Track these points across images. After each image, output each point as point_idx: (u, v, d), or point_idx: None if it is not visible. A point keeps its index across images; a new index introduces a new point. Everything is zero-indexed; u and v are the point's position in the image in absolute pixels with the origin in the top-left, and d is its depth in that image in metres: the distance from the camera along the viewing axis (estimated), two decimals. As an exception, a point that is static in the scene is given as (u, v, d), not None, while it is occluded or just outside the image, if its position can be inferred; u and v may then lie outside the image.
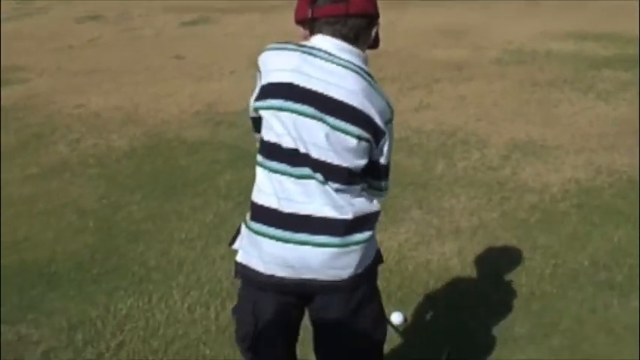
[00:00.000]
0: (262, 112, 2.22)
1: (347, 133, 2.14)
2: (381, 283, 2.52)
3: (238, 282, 2.47)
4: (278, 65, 2.20)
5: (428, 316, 3.76)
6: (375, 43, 2.30)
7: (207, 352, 3.49)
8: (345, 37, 2.18)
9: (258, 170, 2.26)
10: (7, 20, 13.72)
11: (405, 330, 3.54)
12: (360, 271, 2.28)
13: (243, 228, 2.34)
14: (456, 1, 13.13)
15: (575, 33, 10.35)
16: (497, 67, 8.75)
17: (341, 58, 2.17)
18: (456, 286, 4.01)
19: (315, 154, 2.15)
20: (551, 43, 9.82)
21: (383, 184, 2.35)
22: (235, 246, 2.37)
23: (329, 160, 2.16)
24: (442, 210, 4.90)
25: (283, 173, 2.19)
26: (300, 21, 2.25)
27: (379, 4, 2.27)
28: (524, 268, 4.14)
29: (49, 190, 5.54)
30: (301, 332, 2.53)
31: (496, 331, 3.56)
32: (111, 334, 3.65)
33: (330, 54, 2.17)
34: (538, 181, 5.34)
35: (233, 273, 2.41)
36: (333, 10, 2.17)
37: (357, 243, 2.25)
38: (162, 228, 4.81)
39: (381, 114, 2.18)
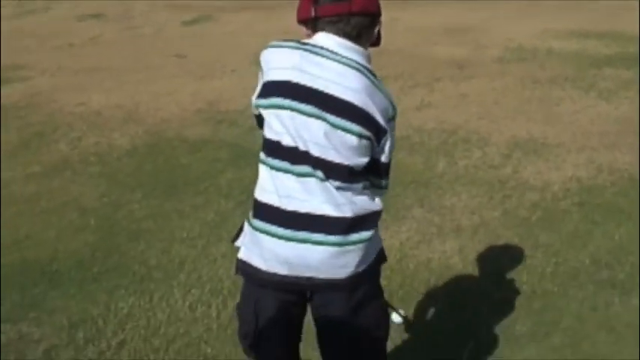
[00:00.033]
0: (262, 111, 2.22)
1: (348, 131, 2.14)
2: (382, 282, 2.52)
3: (240, 280, 2.47)
4: (279, 63, 2.20)
5: (429, 315, 3.76)
6: (377, 41, 2.30)
7: (209, 350, 3.49)
8: (347, 36, 2.18)
9: (261, 168, 2.27)
10: (8, 18, 13.71)
11: (405, 328, 3.53)
12: (360, 270, 2.27)
13: (246, 225, 2.34)
14: (458, 0, 13.12)
15: (577, 31, 10.34)
16: (499, 65, 8.74)
17: (343, 56, 2.16)
18: (457, 285, 4.01)
19: (315, 152, 2.15)
20: (553, 41, 9.81)
21: (383, 182, 2.34)
22: (238, 243, 2.38)
23: (329, 158, 2.15)
24: (443, 208, 4.90)
25: (284, 171, 2.19)
26: (303, 20, 2.25)
27: (381, 2, 2.27)
28: (525, 267, 4.14)
29: (50, 189, 5.54)
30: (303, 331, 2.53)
31: (497, 329, 3.56)
32: (112, 332, 3.65)
33: (331, 52, 2.17)
34: (539, 179, 5.33)
35: (234, 270, 2.41)
36: (336, 9, 2.16)
37: (357, 242, 2.24)
38: (163, 226, 4.81)
39: (382, 112, 2.17)
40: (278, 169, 2.20)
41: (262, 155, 2.26)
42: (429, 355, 3.41)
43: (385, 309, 2.49)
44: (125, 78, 8.86)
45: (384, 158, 2.27)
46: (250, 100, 2.29)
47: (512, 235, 4.51)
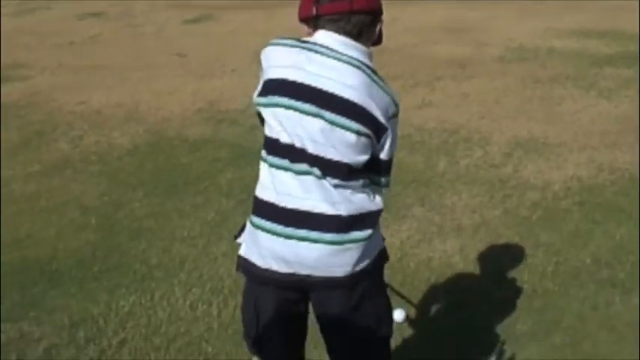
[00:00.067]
0: (261, 109, 2.23)
1: (345, 128, 2.13)
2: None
3: (241, 279, 2.47)
4: (278, 61, 2.21)
5: (430, 314, 3.75)
6: (378, 40, 2.29)
7: (210, 349, 3.49)
8: (348, 34, 2.18)
9: (261, 165, 2.28)
10: (9, 17, 13.72)
11: (406, 328, 3.53)
12: (359, 269, 2.26)
13: (247, 222, 2.35)
14: (458, -1, 13.13)
15: (577, 30, 10.33)
16: (500, 64, 8.74)
17: (342, 54, 2.16)
18: (457, 284, 4.01)
19: (311, 149, 2.15)
20: (554, 40, 9.80)
21: (382, 179, 2.33)
22: (239, 240, 2.38)
23: (327, 156, 2.15)
24: (444, 207, 4.90)
25: (283, 169, 2.20)
26: (304, 19, 2.25)
27: (382, 1, 2.26)
28: (526, 266, 4.14)
29: (50, 188, 5.54)
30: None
31: (498, 328, 3.56)
32: (113, 331, 3.65)
33: (331, 49, 2.16)
34: (540, 178, 5.33)
35: (235, 267, 2.42)
36: (337, 7, 2.16)
37: (354, 241, 2.23)
38: (163, 226, 4.81)
39: (383, 109, 2.17)
40: (277, 167, 2.21)
41: (263, 153, 2.27)
42: (429, 354, 3.41)
43: (388, 307, 2.47)
44: (126, 77, 8.86)
45: (384, 156, 2.26)
46: (252, 98, 2.29)
47: (512, 234, 4.51)
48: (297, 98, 2.14)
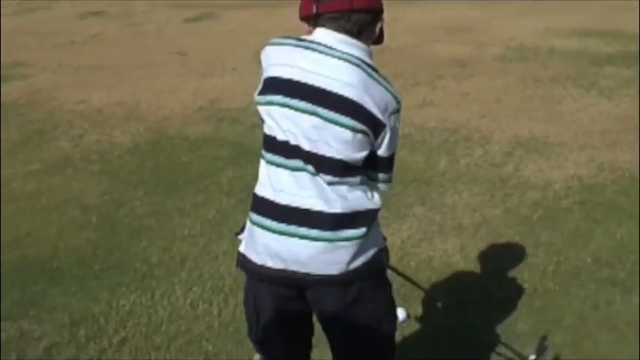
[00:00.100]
0: (258, 107, 2.25)
1: (340, 125, 2.13)
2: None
3: (241, 277, 2.47)
4: (276, 60, 2.23)
5: (430, 313, 3.75)
6: (379, 39, 2.29)
7: (210, 348, 3.49)
8: (348, 32, 2.18)
9: (260, 163, 2.29)
10: (9, 16, 13.72)
11: (407, 327, 3.53)
12: (354, 267, 2.24)
13: (247, 219, 2.35)
14: (459, -2, 13.13)
15: (578, 30, 10.34)
16: (500, 63, 8.74)
17: (340, 51, 2.16)
18: (458, 283, 4.01)
19: (305, 146, 2.15)
20: (554, 40, 9.81)
21: (380, 175, 2.32)
22: (241, 236, 2.39)
23: (320, 152, 2.15)
24: (445, 207, 4.90)
25: (279, 165, 2.21)
26: (305, 17, 2.25)
27: (383, 0, 2.26)
28: (526, 265, 4.14)
29: (51, 186, 5.54)
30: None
31: (499, 327, 3.56)
32: (113, 330, 3.65)
33: (329, 47, 2.17)
34: (541, 177, 5.33)
35: (235, 263, 2.42)
36: (338, 6, 2.16)
37: (348, 239, 2.22)
38: (164, 224, 4.81)
39: (381, 106, 2.16)
40: (273, 164, 2.22)
41: (262, 150, 2.28)
42: (429, 353, 3.41)
43: (389, 307, 2.45)
44: (126, 75, 8.86)
45: (383, 152, 2.25)
46: (253, 97, 2.30)
47: (513, 233, 4.51)
48: (292, 96, 2.15)
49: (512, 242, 4.41)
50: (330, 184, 2.19)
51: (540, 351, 3.27)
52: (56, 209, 5.11)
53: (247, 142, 6.01)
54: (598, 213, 4.74)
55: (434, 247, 4.38)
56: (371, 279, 2.35)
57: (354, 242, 2.23)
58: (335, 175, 2.19)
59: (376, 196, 2.31)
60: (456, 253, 4.30)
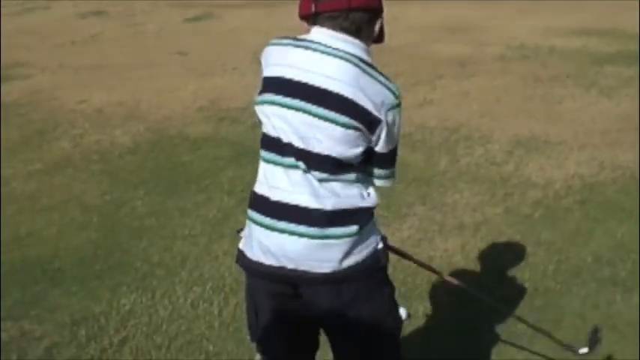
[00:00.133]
0: (255, 107, 2.26)
1: (332, 121, 2.13)
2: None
3: (242, 276, 2.47)
4: (273, 60, 2.24)
5: (431, 313, 3.75)
6: (380, 38, 2.28)
7: (211, 347, 3.49)
8: (346, 30, 2.18)
9: (260, 161, 2.30)
10: (9, 16, 13.72)
11: (407, 327, 3.53)
12: (346, 265, 2.23)
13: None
14: (459, -3, 13.13)
15: (578, 29, 10.33)
16: (501, 63, 8.74)
17: (334, 48, 2.16)
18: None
19: (297, 143, 2.16)
20: (554, 39, 9.80)
21: (380, 172, 2.31)
22: (242, 233, 2.40)
23: (312, 149, 2.15)
24: (445, 206, 4.90)
25: (275, 163, 2.22)
26: (304, 16, 2.26)
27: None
28: (527, 264, 4.14)
29: (51, 186, 5.55)
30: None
31: (499, 327, 3.56)
32: (114, 329, 3.65)
33: (325, 45, 2.17)
34: (541, 176, 5.33)
35: (235, 259, 2.42)
36: (336, 5, 2.16)
37: (338, 236, 2.20)
38: (165, 224, 4.81)
39: (376, 102, 2.15)
40: (269, 162, 2.24)
41: (260, 149, 2.29)
42: (429, 353, 3.41)
43: (390, 306, 2.44)
44: (127, 75, 8.86)
45: (380, 149, 2.24)
46: (253, 97, 2.31)
47: (514, 232, 4.51)
48: (284, 94, 2.16)
49: (512, 241, 4.41)
50: (321, 180, 2.19)
51: (593, 343, 3.13)
52: (57, 209, 5.11)
53: (248, 141, 6.00)
54: (599, 212, 4.74)
55: (434, 246, 4.38)
56: (368, 279, 2.33)
57: (346, 240, 2.22)
58: (326, 171, 2.18)
59: (372, 194, 2.29)
60: (456, 252, 4.30)
